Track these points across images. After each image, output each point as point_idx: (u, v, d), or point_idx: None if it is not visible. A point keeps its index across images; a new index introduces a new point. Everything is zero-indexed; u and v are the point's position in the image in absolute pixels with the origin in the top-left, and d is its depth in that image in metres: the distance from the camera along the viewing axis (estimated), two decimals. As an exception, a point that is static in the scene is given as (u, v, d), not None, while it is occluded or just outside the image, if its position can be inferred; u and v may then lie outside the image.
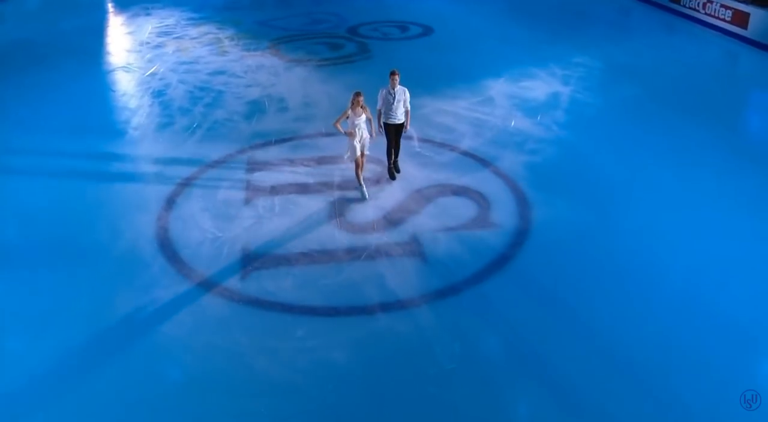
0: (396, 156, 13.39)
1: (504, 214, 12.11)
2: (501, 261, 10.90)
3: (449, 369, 8.78)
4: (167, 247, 11.32)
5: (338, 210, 12.25)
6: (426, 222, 11.87)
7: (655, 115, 16.66)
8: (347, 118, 12.26)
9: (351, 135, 12.29)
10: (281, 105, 17.17)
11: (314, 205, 12.46)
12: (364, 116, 12.30)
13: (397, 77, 12.78)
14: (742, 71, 21.51)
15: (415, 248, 11.19)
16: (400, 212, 12.12)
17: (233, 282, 10.46)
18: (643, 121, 16.27)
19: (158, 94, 18.04)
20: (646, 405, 8.24)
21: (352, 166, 12.69)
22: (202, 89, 18.26)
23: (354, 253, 11.09)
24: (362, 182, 12.60)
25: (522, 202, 12.52)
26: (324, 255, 11.05)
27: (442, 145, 14.78)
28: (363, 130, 12.34)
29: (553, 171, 13.79)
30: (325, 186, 13.07)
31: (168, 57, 21.24)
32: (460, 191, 12.85)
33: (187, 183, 13.29)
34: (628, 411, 8.17)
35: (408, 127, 13.30)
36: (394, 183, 12.97)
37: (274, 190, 12.94)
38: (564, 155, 14.47)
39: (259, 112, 16.75)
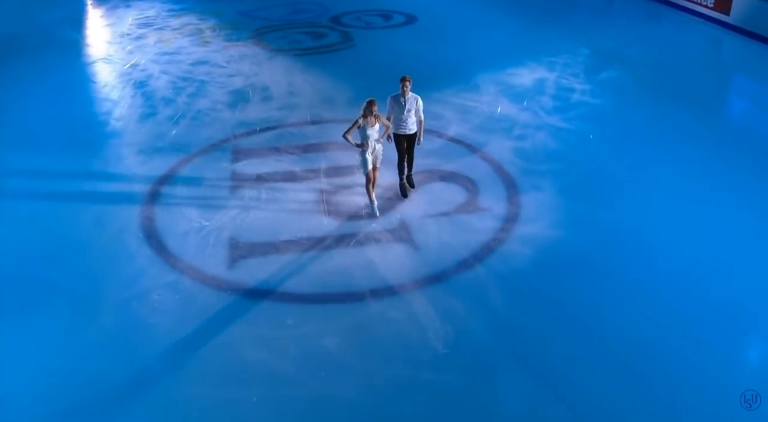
0: (410, 170, 12.31)
1: (493, 199, 12.03)
2: (491, 245, 10.82)
3: (443, 354, 8.70)
4: (153, 238, 11.16)
5: (326, 197, 12.13)
6: (415, 208, 11.77)
7: (641, 100, 16.65)
8: (359, 127, 11.23)
9: (363, 147, 11.34)
10: (265, 94, 17.00)
11: (301, 192, 12.34)
12: (377, 126, 11.29)
13: (408, 83, 11.55)
14: (725, 57, 21.52)
15: (405, 234, 11.09)
16: (388, 198, 12.00)
17: (221, 271, 10.32)
18: (630, 107, 16.26)
19: (140, 85, 17.81)
20: (639, 394, 8.21)
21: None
22: (184, 79, 18.05)
23: (343, 240, 10.97)
24: (374, 199, 11.62)
25: (510, 187, 12.44)
26: (313, 243, 10.92)
27: (428, 131, 14.55)
28: (375, 142, 11.39)
29: (541, 155, 13.72)
30: (311, 173, 12.94)
31: (149, 48, 20.98)
32: (448, 177, 12.75)
33: (171, 173, 13.11)
34: (621, 398, 8.14)
35: (422, 139, 12.15)
36: (382, 169, 12.77)
37: (260, 179, 12.79)
38: (551, 140, 14.40)
39: (242, 101, 16.56)
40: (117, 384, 8.39)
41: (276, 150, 13.93)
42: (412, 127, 11.86)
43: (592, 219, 11.58)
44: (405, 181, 12.21)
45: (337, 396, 8.17)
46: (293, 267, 10.37)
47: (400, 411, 7.98)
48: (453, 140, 14.30)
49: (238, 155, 13.76)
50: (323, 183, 12.61)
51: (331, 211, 11.75)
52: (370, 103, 11.14)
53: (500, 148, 13.92)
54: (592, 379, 8.35)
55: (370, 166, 11.40)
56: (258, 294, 9.87)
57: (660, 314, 9.43)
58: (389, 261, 10.47)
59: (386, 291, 9.81)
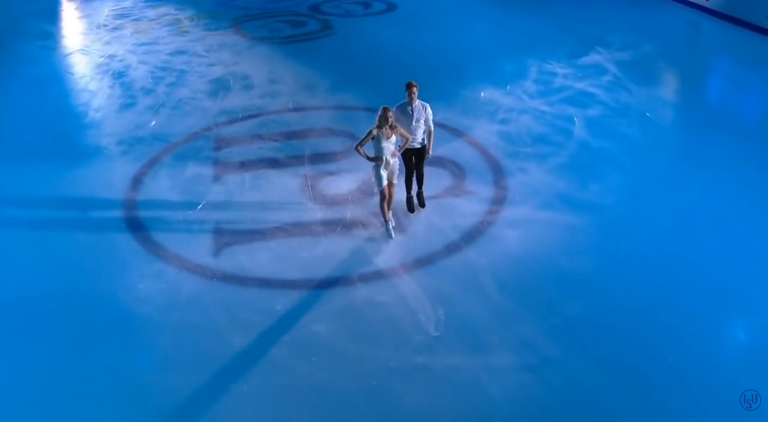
0: (420, 186, 11.19)
1: (479, 182, 11.97)
2: (479, 228, 10.74)
3: (435, 337, 8.62)
4: (136, 228, 10.99)
5: (311, 183, 11.99)
6: (401, 192, 11.54)
7: (623, 83, 16.59)
8: (373, 139, 10.12)
9: (377, 161, 10.23)
10: (246, 82, 16.80)
11: (286, 179, 12.20)
12: (394, 138, 10.15)
13: (415, 90, 10.43)
14: (705, 41, 21.49)
15: (392, 218, 10.95)
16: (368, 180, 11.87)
17: (207, 259, 10.19)
18: (612, 90, 16.18)
19: (119, 76, 17.54)
20: (634, 383, 8.17)
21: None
22: (163, 69, 17.80)
23: (330, 226, 10.86)
24: (389, 218, 10.53)
25: (497, 170, 12.38)
26: (299, 229, 10.80)
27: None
28: (391, 156, 10.26)
29: (526, 139, 13.65)
30: (295, 160, 12.80)
31: (126, 39, 20.67)
32: (434, 161, 12.50)
33: (153, 162, 12.93)
34: (614, 388, 8.08)
35: (431, 152, 11.07)
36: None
37: (244, 166, 12.64)
38: (535, 123, 14.33)
39: (223, 89, 16.36)
40: (107, 375, 8.24)
41: (259, 137, 13.78)
42: (420, 140, 10.80)
43: (579, 200, 11.53)
44: (414, 196, 11.20)
45: (330, 381, 8.06)
46: (280, 253, 10.26)
47: (394, 395, 7.89)
48: (437, 125, 14.04)
49: (220, 143, 13.60)
50: (307, 169, 12.46)
51: (317, 196, 11.62)
52: (386, 111, 9.99)
53: (485, 132, 13.84)
54: (585, 362, 8.31)
55: (385, 182, 10.29)
56: (245, 281, 9.75)
57: (652, 289, 9.50)
58: (377, 245, 10.38)
59: (375, 276, 9.73)
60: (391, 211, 10.63)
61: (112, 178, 12.47)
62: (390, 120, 10.00)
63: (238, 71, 17.56)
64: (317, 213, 11.20)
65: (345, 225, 10.83)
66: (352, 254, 10.19)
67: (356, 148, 10.22)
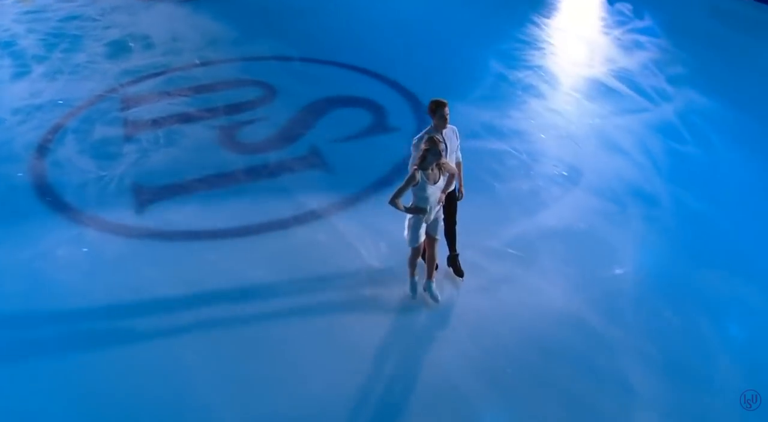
0: (452, 247, 8.32)
1: (401, 118, 11.80)
2: (406, 161, 10.45)
3: (379, 269, 8.44)
4: (47, 194, 10.33)
5: (228, 133, 11.55)
6: (323, 133, 11.38)
7: (530, 15, 16.59)
8: (416, 185, 7.36)
9: (421, 213, 7.51)
10: (146, 42, 15.99)
11: (201, 132, 11.73)
12: (441, 180, 7.42)
13: (447, 110, 7.60)
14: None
15: (317, 160, 10.72)
16: (293, 128, 11.55)
17: (129, 218, 9.67)
18: (517, 19, 16.17)
19: (6, 46, 16.42)
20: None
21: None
22: (56, 36, 16.78)
23: (254, 173, 10.50)
24: (414, 273, 7.95)
25: (417, 106, 12.20)
26: (222, 179, 10.39)
27: (324, 62, 14.18)
28: (434, 204, 7.54)
29: (439, 69, 13.63)
30: (208, 113, 12.30)
31: (8, 9, 19.36)
32: (351, 101, 12.38)
33: (57, 128, 12.18)
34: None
35: (464, 192, 8.21)
36: (283, 100, 12.30)
37: (156, 123, 12.06)
38: (449, 59, 14.20)
39: (123, 51, 15.53)
40: (41, 346, 7.74)
41: (167, 94, 13.17)
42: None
43: (503, 128, 11.60)
44: (447, 262, 8.47)
45: (277, 326, 7.76)
46: (206, 205, 9.85)
47: (346, 331, 7.68)
48: (349, 67, 13.86)
49: (127, 103, 12.92)
50: (222, 120, 12.00)
51: (236, 145, 11.20)
52: (436, 143, 7.16)
53: (398, 71, 13.57)
54: (530, 279, 8.35)
55: (422, 239, 7.71)
56: (172, 235, 9.31)
57: (583, 202, 9.53)
58: (306, 187, 10.09)
59: (309, 216, 9.45)
60: (436, 272, 8.04)
61: (13, 148, 11.64)
62: (441, 155, 7.26)
63: (136, 32, 16.69)
64: (239, 162, 10.79)
65: (270, 171, 10.48)
66: (281, 198, 9.86)
67: (391, 202, 7.36)
